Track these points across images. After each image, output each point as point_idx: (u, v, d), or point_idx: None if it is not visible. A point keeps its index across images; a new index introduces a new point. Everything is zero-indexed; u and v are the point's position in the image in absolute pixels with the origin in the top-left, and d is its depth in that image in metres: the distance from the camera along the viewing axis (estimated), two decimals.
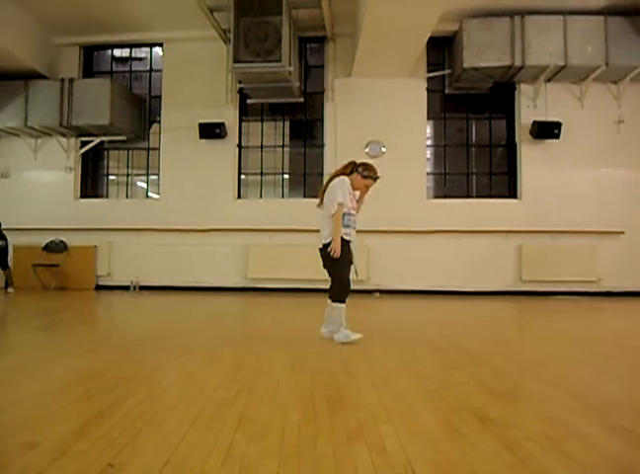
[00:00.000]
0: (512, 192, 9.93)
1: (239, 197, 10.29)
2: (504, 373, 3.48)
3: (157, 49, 10.71)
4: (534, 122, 9.50)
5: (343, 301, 4.45)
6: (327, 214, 4.48)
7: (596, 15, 8.86)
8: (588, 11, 8.87)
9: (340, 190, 4.41)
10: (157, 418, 2.43)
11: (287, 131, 10.50)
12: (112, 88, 9.61)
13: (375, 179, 4.54)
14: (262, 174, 10.41)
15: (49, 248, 10.07)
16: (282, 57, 8.36)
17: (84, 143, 10.44)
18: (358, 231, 4.60)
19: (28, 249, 10.08)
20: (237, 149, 10.27)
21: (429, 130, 10.21)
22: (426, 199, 9.87)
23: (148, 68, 10.82)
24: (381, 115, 9.79)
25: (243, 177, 10.42)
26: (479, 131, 10.21)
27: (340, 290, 4.46)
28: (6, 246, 9.47)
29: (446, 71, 10.00)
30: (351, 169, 4.55)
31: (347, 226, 4.45)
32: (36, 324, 5.86)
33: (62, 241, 10.12)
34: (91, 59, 10.85)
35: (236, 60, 8.51)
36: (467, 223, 9.56)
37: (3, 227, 9.49)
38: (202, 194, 10.08)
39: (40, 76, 9.87)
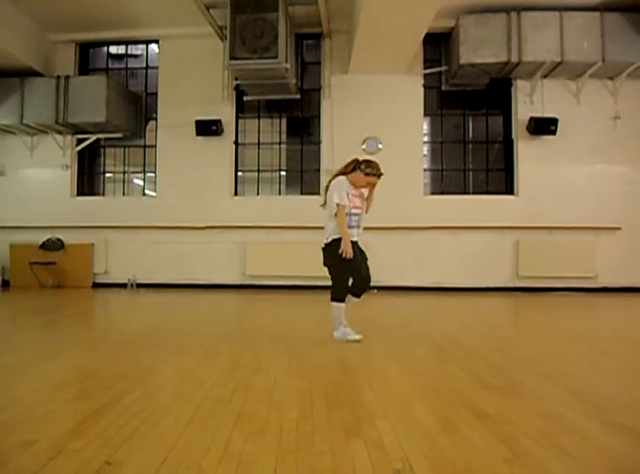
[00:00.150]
0: (508, 188, 9.94)
1: (236, 194, 10.28)
2: (501, 369, 3.48)
3: (153, 46, 10.67)
4: (531, 119, 9.51)
5: (341, 301, 4.44)
6: (329, 214, 4.48)
7: (592, 11, 8.85)
8: (584, 7, 8.86)
9: (336, 190, 4.40)
10: (154, 416, 2.43)
11: (284, 128, 10.48)
12: (108, 85, 9.57)
13: (379, 175, 4.49)
14: (259, 171, 10.39)
15: (46, 246, 10.04)
16: (279, 54, 8.35)
17: (80, 141, 10.40)
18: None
19: (24, 247, 10.06)
20: (234, 146, 10.26)
21: (425, 127, 10.21)
22: (423, 196, 9.87)
23: (144, 65, 10.78)
24: (378, 111, 9.78)
25: (240, 174, 10.41)
26: (476, 128, 10.21)
27: (338, 290, 4.45)
28: None
29: (443, 68, 9.99)
30: (353, 167, 4.52)
31: (350, 227, 4.41)
32: (33, 322, 5.85)
33: (59, 239, 10.10)
34: (87, 56, 10.80)
35: (232, 57, 8.48)
36: (464, 219, 9.57)
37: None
38: (199, 191, 10.07)
39: (35, 73, 9.83)
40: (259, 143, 10.36)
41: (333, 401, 2.69)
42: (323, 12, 8.90)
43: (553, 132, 9.40)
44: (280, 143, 10.40)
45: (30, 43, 9.72)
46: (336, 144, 9.81)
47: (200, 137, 9.99)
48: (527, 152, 9.70)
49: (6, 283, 10.08)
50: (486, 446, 2.06)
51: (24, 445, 2.03)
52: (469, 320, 6.42)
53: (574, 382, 3.13)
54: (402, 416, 2.47)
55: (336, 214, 4.38)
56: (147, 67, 10.75)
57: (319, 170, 10.01)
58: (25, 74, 9.69)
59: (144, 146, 10.61)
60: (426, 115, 10.06)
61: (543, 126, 9.42)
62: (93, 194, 10.70)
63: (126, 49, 10.85)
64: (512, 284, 9.57)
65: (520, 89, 9.74)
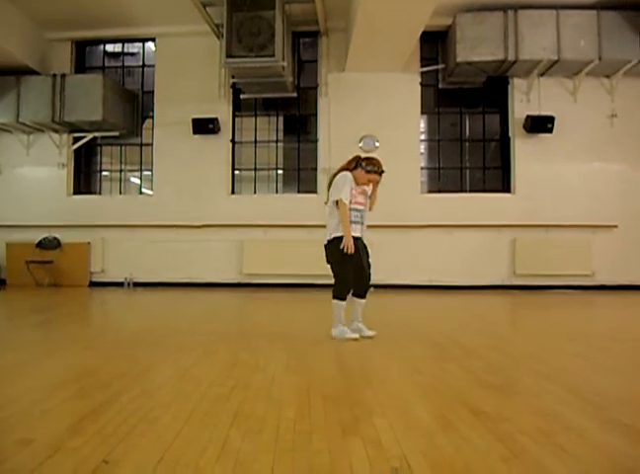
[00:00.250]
0: (505, 186, 9.96)
1: (233, 192, 10.27)
2: (498, 367, 3.49)
3: (150, 44, 10.65)
4: (528, 117, 9.52)
5: (343, 299, 4.42)
6: (330, 211, 4.47)
7: (589, 9, 8.87)
8: (581, 5, 8.88)
9: (340, 185, 4.39)
10: (151, 414, 2.42)
11: (281, 126, 10.48)
12: (104, 83, 9.55)
13: (380, 173, 4.48)
14: (255, 169, 10.39)
15: (43, 245, 10.02)
16: (276, 52, 8.34)
17: (76, 139, 10.37)
18: None
19: (21, 246, 10.04)
20: (231, 144, 10.25)
21: (422, 125, 10.22)
22: (420, 194, 9.88)
23: (141, 63, 10.77)
24: (375, 109, 9.78)
25: (237, 172, 10.40)
26: (473, 126, 10.22)
27: (341, 288, 4.43)
28: None
29: (440, 66, 10.00)
30: (355, 164, 4.51)
31: (352, 222, 4.41)
32: (30, 321, 5.83)
33: (56, 238, 10.08)
34: (83, 55, 10.78)
35: (229, 55, 8.48)
36: (461, 218, 9.58)
37: None
38: (196, 189, 10.06)
39: (31, 72, 9.80)
40: (256, 141, 10.36)
41: (330, 399, 2.69)
42: (320, 10, 8.90)
43: (550, 130, 9.42)
44: (276, 141, 10.40)
45: (26, 41, 9.69)
46: (333, 142, 9.81)
47: (196, 136, 9.98)
48: (524, 150, 9.71)
49: (2, 282, 10.07)
50: (484, 445, 2.06)
51: (21, 444, 2.02)
52: (467, 318, 6.43)
53: (571, 380, 3.13)
54: (400, 414, 2.47)
55: (337, 205, 4.37)
56: (144, 65, 10.73)
57: (316, 168, 10.01)
58: (21, 72, 9.67)
59: (141, 145, 10.59)
60: (423, 113, 10.07)
61: (540, 124, 9.43)
62: (89, 192, 10.68)
63: (123, 47, 10.83)
64: (509, 282, 9.59)
65: (517, 87, 9.76)
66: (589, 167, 9.64)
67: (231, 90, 10.19)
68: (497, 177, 10.09)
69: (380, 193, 4.64)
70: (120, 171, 10.73)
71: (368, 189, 4.58)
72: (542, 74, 9.54)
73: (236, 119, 10.38)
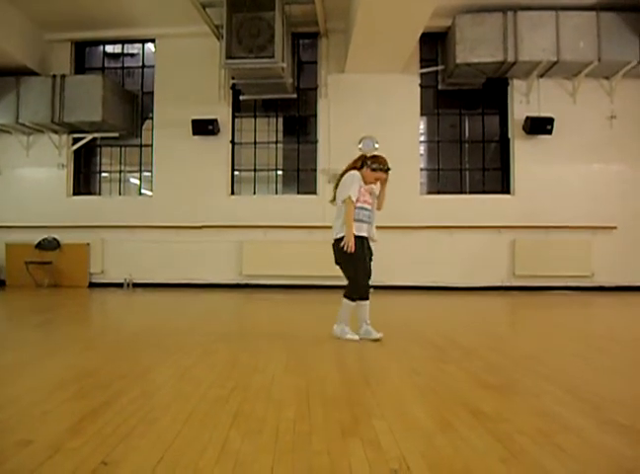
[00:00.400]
0: (505, 187, 9.96)
1: (233, 193, 10.27)
2: (497, 368, 3.49)
3: (149, 45, 10.66)
4: (527, 118, 9.53)
5: (353, 299, 4.41)
6: (339, 210, 4.46)
7: (588, 10, 8.88)
8: (580, 6, 8.89)
9: (349, 184, 4.39)
10: (151, 415, 2.43)
11: (281, 127, 10.48)
12: (104, 84, 9.55)
13: (386, 170, 4.46)
14: (255, 170, 10.39)
15: (42, 245, 10.02)
16: (275, 53, 8.34)
17: (76, 140, 10.37)
18: None
19: (20, 247, 10.04)
20: (230, 145, 10.25)
21: (422, 126, 10.23)
22: (419, 195, 9.89)
23: (140, 64, 10.77)
24: (374, 111, 9.78)
25: (236, 173, 10.40)
26: (472, 127, 10.22)
27: (353, 289, 4.41)
28: None
29: (439, 67, 10.00)
30: (361, 163, 4.50)
31: (360, 221, 4.39)
32: (29, 322, 5.84)
33: (55, 238, 10.08)
34: (83, 55, 10.78)
35: (229, 56, 8.48)
36: (461, 219, 9.59)
37: None
38: (196, 190, 10.06)
39: (31, 72, 9.80)
40: (255, 143, 10.36)
41: (330, 400, 2.70)
42: (320, 11, 8.91)
43: (549, 132, 9.43)
44: (276, 143, 10.40)
45: (25, 42, 9.70)
46: (332, 144, 9.82)
47: (196, 137, 9.98)
48: (524, 152, 9.72)
49: (2, 283, 10.07)
50: (483, 445, 2.06)
51: (21, 445, 2.03)
52: (466, 319, 6.44)
53: (570, 381, 3.14)
54: (399, 415, 2.47)
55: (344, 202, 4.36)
56: (143, 66, 10.73)
57: (316, 169, 10.02)
58: (20, 73, 9.66)
59: (140, 145, 10.59)
60: (422, 114, 10.08)
61: (539, 126, 9.44)
62: (89, 193, 10.68)
63: (123, 48, 10.84)
64: (508, 284, 9.59)
65: (517, 88, 9.76)
66: (588, 168, 9.65)
67: (231, 91, 10.19)
68: (496, 178, 10.10)
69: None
70: (120, 172, 10.73)
71: (376, 188, 4.56)
72: (542, 75, 9.55)
73: (236, 120, 10.38)
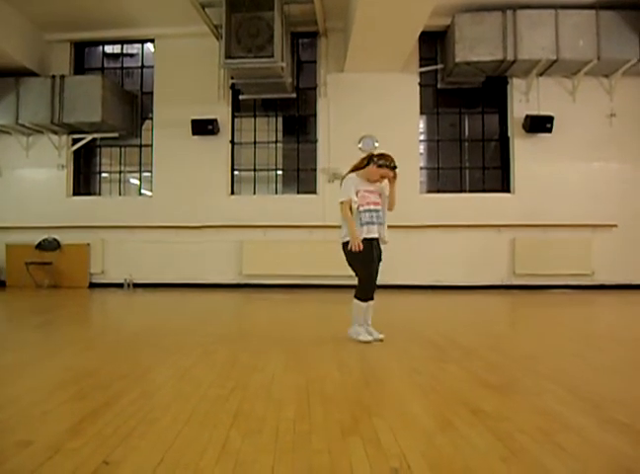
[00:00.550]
0: (505, 186, 9.95)
1: (232, 193, 10.27)
2: (498, 367, 3.49)
3: (149, 46, 10.65)
4: (527, 116, 9.53)
5: (363, 300, 4.37)
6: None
7: (587, 9, 8.87)
8: (579, 5, 8.88)
9: (343, 189, 4.41)
10: (151, 415, 2.43)
11: (280, 127, 10.47)
12: (103, 84, 9.55)
13: (392, 167, 4.40)
14: (255, 170, 10.39)
15: (42, 246, 10.02)
16: (275, 53, 8.34)
17: (76, 141, 10.37)
18: None
19: (20, 247, 10.04)
20: (230, 145, 10.25)
21: (422, 125, 10.22)
22: (419, 194, 9.88)
23: (140, 64, 10.77)
24: (374, 110, 9.78)
25: (236, 173, 10.39)
26: (472, 126, 10.22)
27: (362, 289, 4.39)
28: None
29: (439, 66, 10.00)
30: (367, 161, 4.47)
31: (367, 223, 4.37)
32: (29, 322, 5.84)
33: (55, 239, 10.08)
34: (82, 56, 10.78)
35: (228, 56, 8.47)
36: (460, 218, 9.58)
37: None
38: (196, 190, 10.05)
39: (30, 73, 9.80)
40: (255, 142, 10.36)
41: (330, 399, 2.70)
42: (319, 10, 8.90)
43: (549, 130, 9.43)
44: (276, 142, 10.40)
45: (25, 43, 9.69)
46: (332, 143, 9.81)
47: (196, 137, 9.98)
48: (523, 150, 9.72)
49: (2, 284, 10.07)
50: (483, 444, 2.06)
51: (21, 445, 2.03)
52: (466, 318, 6.43)
53: (570, 380, 3.14)
54: (399, 414, 2.47)
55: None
56: (143, 66, 10.73)
57: (315, 169, 10.01)
58: (20, 74, 9.66)
59: (140, 146, 10.59)
60: (422, 113, 10.07)
61: (539, 124, 9.44)
62: (89, 193, 10.68)
63: (122, 49, 10.83)
64: (508, 282, 9.59)
65: (516, 87, 9.76)
66: (588, 166, 9.64)
67: (230, 91, 10.19)
68: (496, 177, 10.09)
69: None
70: (120, 172, 10.73)
71: (385, 186, 4.53)
72: (541, 74, 9.54)
73: (235, 120, 10.37)
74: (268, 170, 10.42)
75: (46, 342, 4.61)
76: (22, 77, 9.63)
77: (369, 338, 4.35)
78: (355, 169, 4.52)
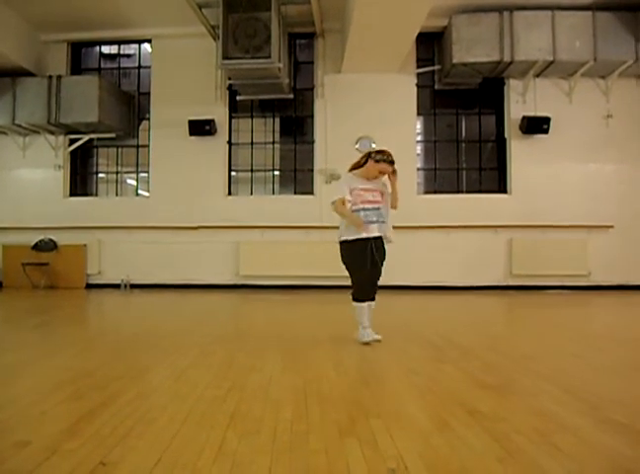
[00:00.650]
0: (501, 187, 9.97)
1: (229, 193, 10.26)
2: (495, 368, 3.50)
3: (146, 46, 10.63)
4: (524, 118, 9.54)
5: (360, 301, 4.35)
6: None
7: (584, 10, 8.89)
8: (576, 6, 8.90)
9: (338, 189, 4.41)
10: (148, 416, 2.43)
11: (278, 128, 10.46)
12: (100, 85, 9.52)
13: (389, 162, 4.38)
14: (252, 170, 10.38)
15: (39, 247, 10.00)
16: (272, 53, 8.34)
17: (73, 141, 10.35)
18: None
19: (17, 248, 10.02)
20: (227, 146, 10.24)
21: (419, 126, 10.22)
22: (416, 195, 9.88)
23: (137, 65, 10.75)
24: (371, 111, 9.78)
25: (233, 174, 10.39)
26: (469, 127, 10.23)
27: (356, 290, 4.37)
28: None
29: (436, 67, 10.00)
30: (366, 158, 4.45)
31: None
32: (27, 323, 5.83)
33: (52, 240, 10.06)
34: (79, 56, 10.75)
35: (225, 57, 8.46)
36: (458, 219, 9.59)
37: None
38: (193, 191, 10.04)
39: (27, 73, 9.77)
40: (252, 143, 10.35)
41: (327, 400, 2.70)
42: (316, 11, 8.91)
43: (546, 131, 9.45)
44: (273, 143, 10.39)
45: (21, 43, 9.67)
46: (329, 144, 9.81)
47: (193, 137, 9.96)
48: (520, 151, 9.73)
49: None
50: (480, 445, 2.07)
51: (19, 446, 2.03)
52: (464, 319, 6.44)
53: (567, 380, 3.15)
54: (396, 415, 2.48)
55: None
56: (140, 67, 10.71)
57: (313, 170, 10.01)
58: (16, 74, 9.63)
59: (137, 146, 10.57)
60: (419, 114, 10.07)
61: (536, 125, 9.46)
62: (86, 194, 10.65)
63: (119, 49, 10.80)
64: (505, 283, 9.60)
65: (513, 88, 9.77)
66: (584, 167, 9.66)
67: (227, 91, 10.18)
68: (493, 178, 10.11)
69: None
70: (117, 172, 10.71)
71: (386, 183, 4.52)
72: (538, 75, 9.56)
73: (232, 121, 10.37)
74: (265, 171, 10.41)
75: (44, 342, 4.60)
76: (18, 77, 9.60)
77: (369, 338, 4.34)
78: (353, 167, 4.52)
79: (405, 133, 9.82)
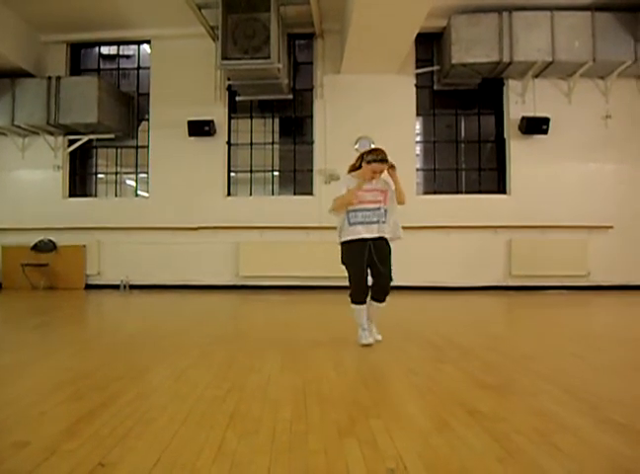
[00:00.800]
0: (501, 187, 9.97)
1: (229, 194, 10.26)
2: (494, 368, 3.49)
3: (145, 47, 10.63)
4: (523, 118, 9.54)
5: (356, 303, 4.31)
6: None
7: (583, 10, 8.89)
8: (575, 7, 8.91)
9: (336, 189, 4.40)
10: (148, 416, 2.42)
11: (277, 128, 10.46)
12: (99, 86, 9.52)
13: (380, 160, 4.30)
14: (251, 171, 10.38)
15: (38, 247, 10.00)
16: (271, 54, 8.34)
17: (72, 142, 10.35)
18: None
19: (16, 249, 10.01)
20: (226, 146, 10.24)
21: (418, 126, 10.23)
22: (415, 195, 9.87)
23: (136, 66, 10.75)
24: (370, 111, 9.78)
25: (233, 174, 10.39)
26: (468, 127, 10.23)
27: (352, 291, 4.34)
28: None
29: (435, 67, 10.01)
30: (360, 160, 4.42)
31: (358, 223, 4.31)
32: (26, 324, 5.82)
33: (51, 240, 10.06)
34: (78, 57, 10.75)
35: (224, 57, 8.46)
36: (457, 219, 9.59)
37: None
38: (192, 191, 10.04)
39: (26, 74, 9.76)
40: (251, 143, 10.35)
41: (326, 400, 2.70)
42: (315, 12, 8.91)
43: (545, 132, 9.45)
44: (272, 143, 10.39)
45: (20, 44, 9.67)
46: (329, 144, 9.82)
47: (192, 138, 9.96)
48: (519, 151, 9.73)
49: None
50: (480, 445, 2.07)
51: (18, 446, 2.03)
52: (463, 319, 6.44)
53: (567, 380, 3.14)
54: (396, 415, 2.47)
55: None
56: (139, 68, 10.71)
57: (312, 170, 10.01)
58: (15, 75, 9.63)
59: (136, 147, 10.57)
60: (418, 114, 10.07)
61: (535, 126, 9.46)
62: (85, 195, 10.65)
63: (118, 50, 10.80)
64: (505, 283, 9.60)
65: (512, 88, 9.78)
66: (584, 168, 9.67)
67: (227, 92, 10.18)
68: (492, 178, 10.11)
69: None
70: (116, 173, 10.70)
71: (388, 180, 4.51)
72: (537, 76, 9.56)
73: (232, 121, 10.37)
74: (264, 171, 10.41)
75: (43, 343, 4.60)
76: (17, 78, 9.60)
77: (369, 340, 4.28)
78: (352, 170, 4.52)
79: (404, 134, 9.82)
